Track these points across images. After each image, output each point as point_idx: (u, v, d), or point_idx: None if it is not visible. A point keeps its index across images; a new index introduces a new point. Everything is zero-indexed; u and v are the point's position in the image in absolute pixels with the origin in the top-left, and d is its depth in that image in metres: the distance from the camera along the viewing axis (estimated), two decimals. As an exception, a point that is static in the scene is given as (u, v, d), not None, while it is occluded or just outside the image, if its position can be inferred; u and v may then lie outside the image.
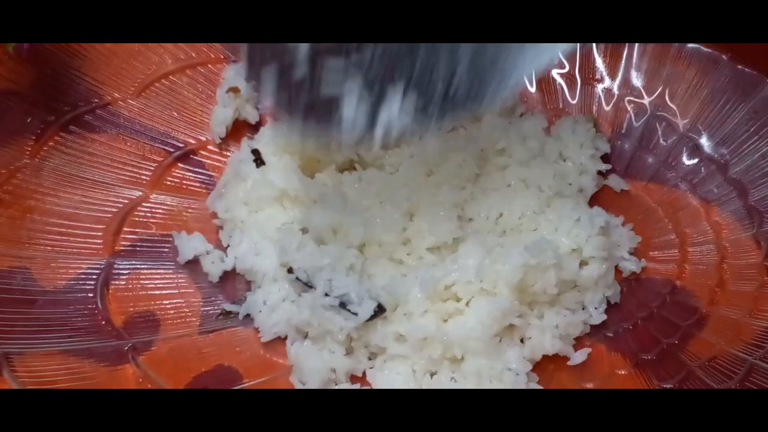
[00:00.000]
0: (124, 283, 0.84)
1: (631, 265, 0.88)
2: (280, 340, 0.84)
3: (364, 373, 0.82)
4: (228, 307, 0.86)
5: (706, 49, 0.93)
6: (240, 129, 0.98)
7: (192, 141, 0.95)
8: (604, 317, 0.85)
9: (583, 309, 0.85)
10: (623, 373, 0.82)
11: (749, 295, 0.83)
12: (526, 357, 0.80)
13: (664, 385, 0.79)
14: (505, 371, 0.79)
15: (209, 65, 0.98)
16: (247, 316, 0.85)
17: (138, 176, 0.91)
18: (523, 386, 0.79)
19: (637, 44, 0.97)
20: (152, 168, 0.92)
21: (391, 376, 0.80)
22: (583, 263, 0.84)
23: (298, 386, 0.80)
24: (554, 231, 0.84)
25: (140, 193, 0.90)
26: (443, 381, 0.79)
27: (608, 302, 0.86)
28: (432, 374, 0.80)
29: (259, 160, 0.91)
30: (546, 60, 0.68)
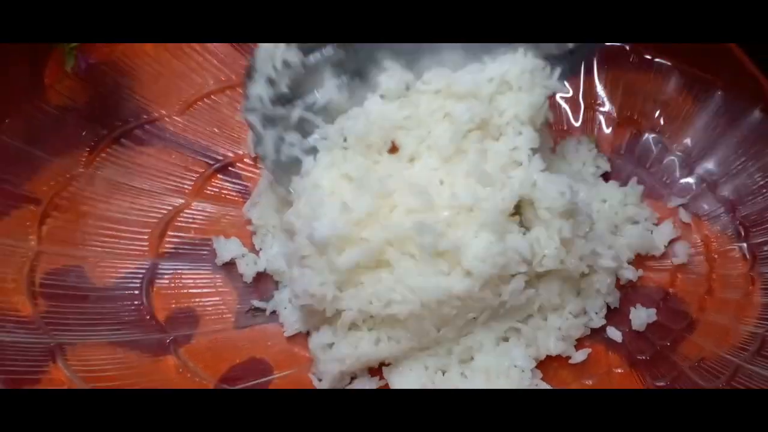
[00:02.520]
0: (167, 282, 0.89)
1: (629, 274, 0.92)
2: (303, 335, 0.88)
3: (380, 369, 0.85)
4: (256, 303, 0.90)
5: (700, 76, 0.96)
6: (273, 145, 1.02)
7: (230, 154, 1.00)
8: (604, 321, 0.89)
9: (585, 314, 0.88)
10: (620, 371, 0.85)
11: (736, 303, 0.87)
12: (532, 356, 0.84)
13: (658, 384, 0.82)
14: (512, 368, 0.83)
15: (247, 86, 1.03)
16: (274, 312, 0.89)
17: (181, 185, 0.96)
18: (528, 382, 0.82)
19: (636, 73, 1.00)
20: (194, 178, 0.97)
21: (405, 372, 0.83)
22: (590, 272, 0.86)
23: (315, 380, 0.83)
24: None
25: (183, 200, 0.95)
26: (454, 379, 0.82)
27: (608, 307, 0.90)
28: (443, 372, 0.83)
29: (289, 173, 0.94)
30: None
